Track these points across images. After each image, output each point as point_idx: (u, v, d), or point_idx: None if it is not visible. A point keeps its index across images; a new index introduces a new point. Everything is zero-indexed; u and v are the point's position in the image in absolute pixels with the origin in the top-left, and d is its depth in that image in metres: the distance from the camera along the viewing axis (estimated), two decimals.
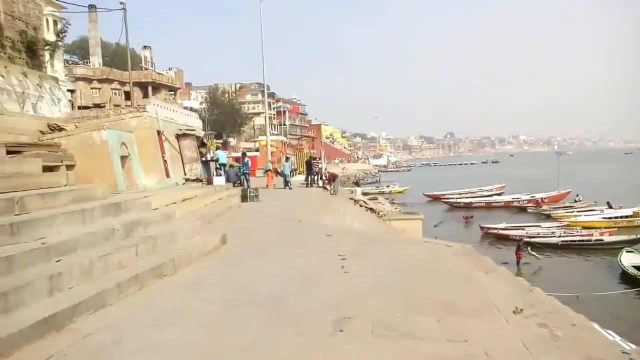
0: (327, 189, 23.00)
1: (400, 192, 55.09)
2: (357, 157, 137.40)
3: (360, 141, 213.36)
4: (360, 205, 22.62)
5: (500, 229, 29.41)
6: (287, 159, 26.86)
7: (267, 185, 23.02)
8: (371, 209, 22.74)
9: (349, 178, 68.11)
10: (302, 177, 27.44)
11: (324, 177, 25.40)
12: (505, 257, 21.37)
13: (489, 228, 29.92)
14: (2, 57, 14.30)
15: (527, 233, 27.71)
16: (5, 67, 13.85)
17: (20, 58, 15.21)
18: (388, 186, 58.57)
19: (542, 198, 41.39)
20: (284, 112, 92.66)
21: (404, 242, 10.94)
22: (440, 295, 5.32)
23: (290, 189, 21.99)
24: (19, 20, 15.50)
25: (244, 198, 16.88)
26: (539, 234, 27.70)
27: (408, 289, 5.61)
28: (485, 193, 49.71)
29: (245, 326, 4.42)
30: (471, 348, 3.86)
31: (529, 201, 41.71)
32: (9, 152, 8.59)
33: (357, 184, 34.84)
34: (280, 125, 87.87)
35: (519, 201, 42.63)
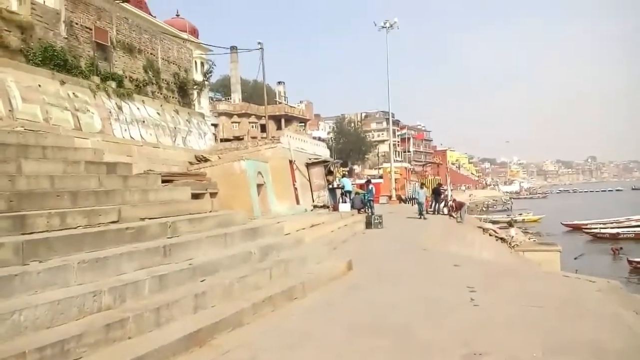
0: (453, 217, 22.29)
1: (534, 220, 51.31)
2: (486, 184, 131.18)
3: (489, 167, 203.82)
4: (490, 235, 21.50)
5: None
6: (422, 185, 26.02)
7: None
8: (502, 239, 21.49)
9: (477, 205, 65.21)
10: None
11: (449, 205, 24.61)
12: None
13: (638, 262, 26.55)
14: (158, 97, 16.37)
15: None
16: (161, 105, 15.83)
17: (173, 97, 17.30)
18: (521, 214, 54.89)
19: None
20: (408, 139, 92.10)
21: (540, 275, 10.20)
22: (582, 335, 4.88)
23: (425, 219, 20.81)
24: (173, 64, 17.66)
25: (368, 225, 17.02)
26: None
27: (545, 326, 5.23)
28: (634, 223, 44.22)
29: (372, 354, 4.45)
30: None
31: None
32: (163, 181, 9.70)
33: (510, 224, 32.32)
34: (405, 152, 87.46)
35: None
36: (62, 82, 12.25)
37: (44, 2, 14.12)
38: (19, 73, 11.17)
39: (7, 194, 5.78)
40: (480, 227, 22.74)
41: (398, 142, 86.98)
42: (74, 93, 12.43)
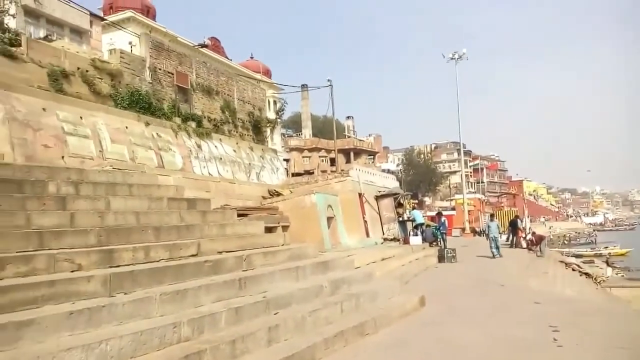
0: (532, 251, 21.19)
1: (622, 254, 47.49)
2: (567, 215, 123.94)
3: (569, 197, 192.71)
4: (573, 270, 20.17)
5: None
6: (491, 217, 22.23)
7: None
8: (586, 274, 20.08)
9: (558, 238, 61.64)
10: (502, 237, 25.76)
11: (528, 238, 23.42)
12: None
13: None
14: (234, 135, 17.20)
15: None
16: (237, 143, 16.62)
17: (248, 135, 18.14)
18: (606, 247, 51.03)
19: None
20: (481, 169, 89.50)
21: (630, 314, 9.43)
22: None
23: (500, 256, 17.87)
24: (248, 103, 18.56)
25: (440, 258, 16.57)
26: None
27: None
28: None
29: None
30: None
31: None
32: (238, 215, 10.06)
33: (607, 263, 29.73)
34: (478, 182, 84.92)
35: None
36: (147, 124, 13.20)
37: (131, 50, 15.43)
38: (108, 116, 12.20)
39: (97, 229, 6.26)
40: (562, 262, 21.43)
41: (470, 172, 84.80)
42: (157, 133, 13.33)
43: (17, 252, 5.17)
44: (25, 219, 5.98)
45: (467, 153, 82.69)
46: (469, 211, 38.90)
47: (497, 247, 18.28)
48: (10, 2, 15.28)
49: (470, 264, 16.12)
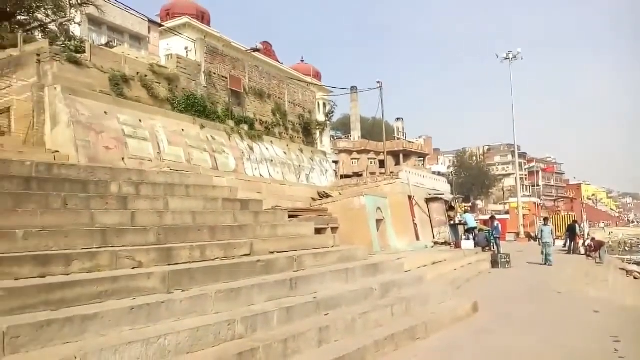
0: (591, 257, 20.29)
1: None
2: (628, 220, 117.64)
3: (631, 202, 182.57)
4: (635, 278, 19.14)
5: None
6: (545, 221, 21.37)
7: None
8: None
9: (618, 244, 58.70)
10: (559, 243, 24.81)
11: (587, 244, 22.44)
12: None
13: None
14: (285, 138, 17.45)
15: None
16: (287, 145, 16.86)
17: (298, 137, 18.35)
18: None
19: None
20: (537, 172, 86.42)
21: None
22: None
23: (549, 265, 16.87)
24: (298, 106, 18.79)
25: (494, 264, 16.17)
26: None
27: None
28: None
29: None
30: None
31: None
32: (289, 217, 10.19)
33: None
34: (533, 186, 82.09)
35: None
36: (202, 126, 13.60)
37: (187, 55, 15.94)
38: (166, 119, 12.65)
39: (156, 228, 6.50)
40: (622, 269, 20.38)
41: (525, 175, 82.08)
42: (212, 136, 13.71)
43: (82, 248, 5.45)
44: (90, 217, 6.29)
45: (522, 155, 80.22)
46: (523, 215, 37.61)
47: (548, 254, 17.32)
48: (77, 12, 16.12)
49: (525, 270, 15.63)
